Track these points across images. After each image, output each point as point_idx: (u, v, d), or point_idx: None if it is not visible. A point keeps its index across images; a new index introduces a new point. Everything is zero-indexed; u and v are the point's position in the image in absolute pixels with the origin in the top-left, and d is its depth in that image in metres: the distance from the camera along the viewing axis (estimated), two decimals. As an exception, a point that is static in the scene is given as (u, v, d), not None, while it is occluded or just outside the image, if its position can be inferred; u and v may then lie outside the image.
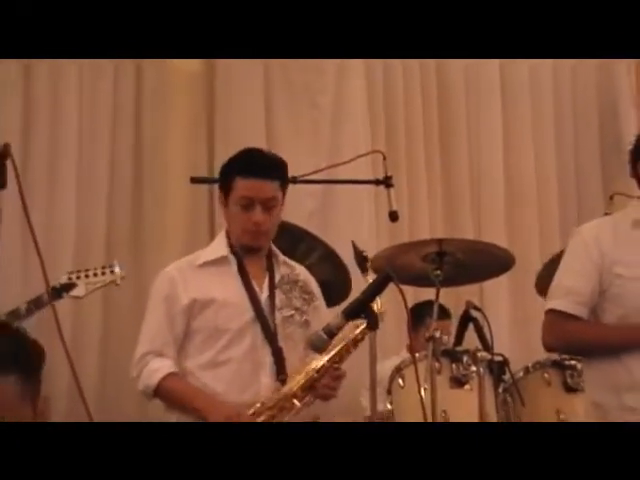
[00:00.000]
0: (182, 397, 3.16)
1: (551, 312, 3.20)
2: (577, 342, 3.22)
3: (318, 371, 3.06)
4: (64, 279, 4.00)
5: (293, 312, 3.24)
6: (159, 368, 3.15)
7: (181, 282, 3.23)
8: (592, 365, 3.22)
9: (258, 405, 3.04)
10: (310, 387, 3.08)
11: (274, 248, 3.36)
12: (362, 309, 2.83)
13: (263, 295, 3.25)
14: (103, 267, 4.09)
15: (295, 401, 3.05)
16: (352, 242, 3.45)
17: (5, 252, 4.33)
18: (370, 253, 3.55)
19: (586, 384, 3.33)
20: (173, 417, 3.21)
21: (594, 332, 3.19)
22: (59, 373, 4.13)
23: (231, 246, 3.30)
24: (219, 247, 3.32)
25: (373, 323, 2.88)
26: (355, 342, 3.12)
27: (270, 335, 3.18)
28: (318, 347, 2.90)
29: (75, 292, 4.02)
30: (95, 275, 4.06)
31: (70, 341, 4.61)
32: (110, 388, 4.86)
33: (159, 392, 3.16)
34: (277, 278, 3.29)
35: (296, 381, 3.06)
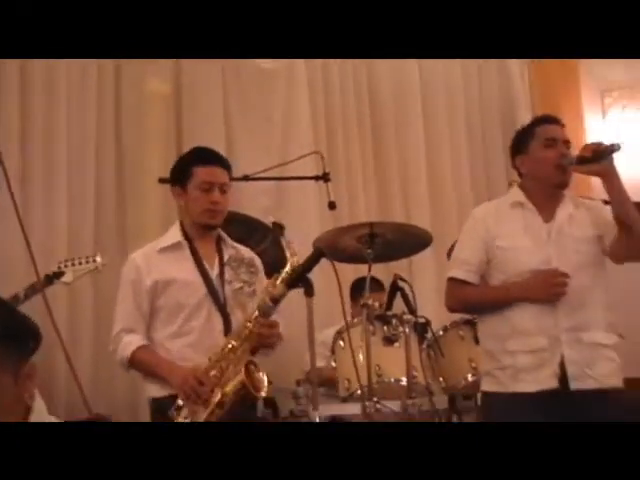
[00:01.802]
0: (149, 366, 3.14)
1: (450, 280, 3.28)
2: (470, 303, 3.30)
3: (250, 322, 3.01)
4: (55, 268, 3.99)
5: (242, 284, 3.22)
6: (131, 341, 3.14)
7: (144, 267, 3.20)
8: (483, 320, 3.29)
9: (207, 361, 3.01)
10: (247, 338, 3.01)
11: (222, 233, 3.33)
12: (299, 279, 2.89)
13: (214, 272, 3.22)
14: (87, 257, 4.08)
15: (238, 352, 2.99)
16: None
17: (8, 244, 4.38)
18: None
19: (480, 335, 3.36)
20: (153, 388, 3.18)
21: (482, 293, 3.25)
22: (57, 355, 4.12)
23: (185, 233, 3.27)
24: (174, 234, 3.29)
25: (309, 290, 2.92)
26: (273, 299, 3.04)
27: (220, 306, 3.16)
28: (266, 312, 2.97)
29: (64, 279, 3.99)
30: (80, 264, 4.04)
31: (66, 323, 4.66)
32: (102, 364, 4.76)
33: (132, 363, 3.15)
34: (226, 257, 3.26)
35: (236, 335, 3.03)
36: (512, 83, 5.91)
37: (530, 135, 3.27)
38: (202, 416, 2.93)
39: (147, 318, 3.20)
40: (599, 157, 3.04)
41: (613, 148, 3.04)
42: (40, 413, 1.79)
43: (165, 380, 3.08)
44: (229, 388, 2.93)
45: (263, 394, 3.03)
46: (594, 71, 5.87)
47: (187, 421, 2.95)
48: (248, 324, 3.02)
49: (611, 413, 3.03)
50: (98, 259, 4.06)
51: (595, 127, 5.87)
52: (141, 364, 3.15)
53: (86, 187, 5.07)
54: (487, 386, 3.22)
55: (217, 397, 2.93)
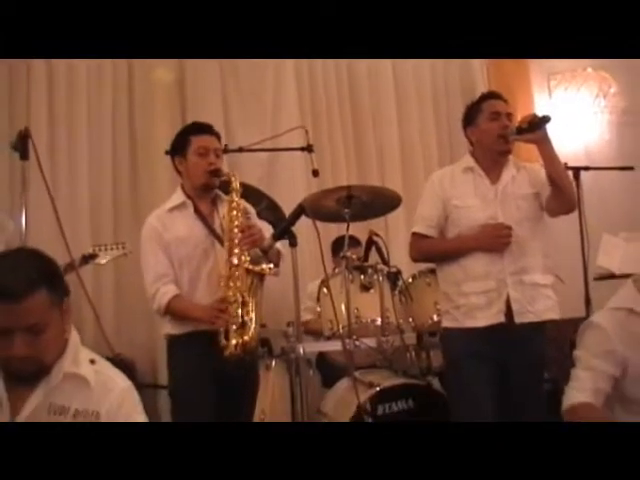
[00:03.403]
0: (181, 311, 3.10)
1: (413, 235, 3.35)
2: (431, 253, 3.35)
3: (239, 228, 3.07)
4: (90, 250, 4.05)
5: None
6: (166, 292, 3.10)
7: (160, 225, 3.18)
8: (441, 267, 3.33)
9: (220, 282, 3.03)
10: (238, 244, 3.04)
11: (219, 192, 3.30)
12: (285, 232, 2.92)
13: (216, 224, 3.22)
14: (117, 244, 4.15)
15: (234, 259, 3.01)
16: None
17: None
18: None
19: (439, 281, 3.38)
20: (169, 326, 3.17)
21: (441, 245, 3.30)
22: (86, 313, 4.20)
23: (186, 195, 3.26)
24: (178, 196, 3.27)
25: (293, 241, 2.93)
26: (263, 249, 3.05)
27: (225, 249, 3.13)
28: (257, 260, 2.99)
29: (99, 260, 4.08)
30: (112, 249, 4.12)
31: (93, 285, 4.71)
32: (123, 315, 4.90)
33: (168, 310, 3.11)
34: (222, 211, 3.22)
35: (229, 250, 3.06)
36: (471, 68, 5.87)
37: (478, 109, 3.31)
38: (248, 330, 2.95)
39: (172, 264, 3.16)
40: (534, 127, 3.09)
41: (544, 119, 3.08)
42: (75, 345, 1.88)
43: (197, 319, 3.05)
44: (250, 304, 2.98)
45: None
46: (541, 59, 5.82)
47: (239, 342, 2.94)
48: (235, 230, 3.06)
49: (544, 342, 3.19)
50: (127, 246, 4.14)
51: (542, 105, 5.84)
52: (174, 311, 3.12)
53: (104, 164, 5.10)
54: (446, 323, 3.28)
55: (246, 314, 2.96)
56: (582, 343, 2.50)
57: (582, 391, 2.38)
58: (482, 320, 3.12)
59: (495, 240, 3.13)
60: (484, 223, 3.17)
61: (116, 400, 1.83)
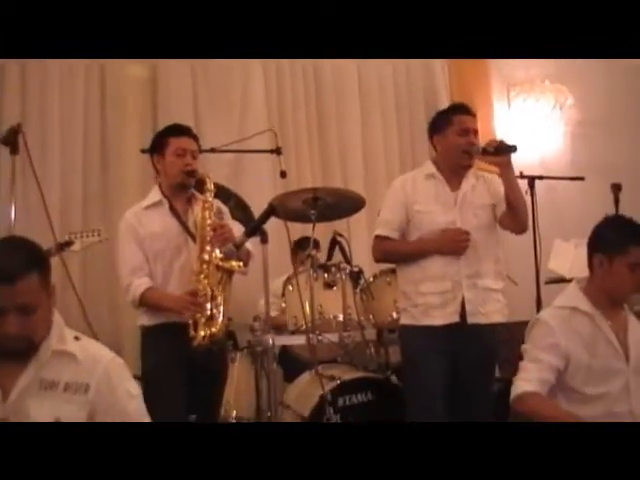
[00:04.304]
0: (156, 302, 3.24)
1: (376, 237, 3.48)
2: (392, 254, 3.50)
3: (211, 226, 3.21)
4: (66, 238, 4.06)
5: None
6: (140, 284, 3.23)
7: (136, 222, 3.31)
8: (401, 268, 3.48)
9: (192, 276, 3.18)
10: (210, 242, 3.18)
11: (195, 192, 3.42)
12: (257, 229, 3.07)
13: (190, 222, 3.34)
14: (92, 230, 4.15)
15: (205, 256, 3.17)
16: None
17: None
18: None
19: (398, 280, 3.53)
20: (144, 318, 3.30)
21: (402, 247, 3.45)
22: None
23: (162, 193, 3.38)
24: (155, 194, 3.40)
25: (264, 238, 3.09)
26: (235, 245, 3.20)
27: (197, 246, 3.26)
28: (229, 255, 3.14)
29: (73, 247, 4.08)
30: (87, 236, 4.12)
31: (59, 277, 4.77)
32: (89, 306, 4.92)
33: (142, 301, 3.24)
34: (196, 209, 3.35)
35: (201, 247, 3.20)
36: (434, 77, 5.99)
37: (448, 121, 3.46)
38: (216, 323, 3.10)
39: (147, 258, 3.28)
40: (499, 152, 3.30)
41: (511, 148, 3.30)
42: (60, 325, 2.03)
43: (169, 309, 3.20)
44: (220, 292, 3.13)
45: None
46: (501, 70, 6.04)
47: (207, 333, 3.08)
48: (207, 228, 3.20)
49: (494, 342, 3.40)
50: (102, 233, 4.14)
51: (502, 114, 6.06)
52: (148, 301, 3.25)
53: (75, 159, 5.20)
54: (404, 320, 3.45)
55: (215, 307, 3.11)
56: (530, 337, 2.72)
57: (528, 381, 2.60)
58: (438, 319, 3.32)
59: (454, 244, 3.33)
60: (444, 228, 3.35)
61: (104, 371, 1.99)
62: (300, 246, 4.50)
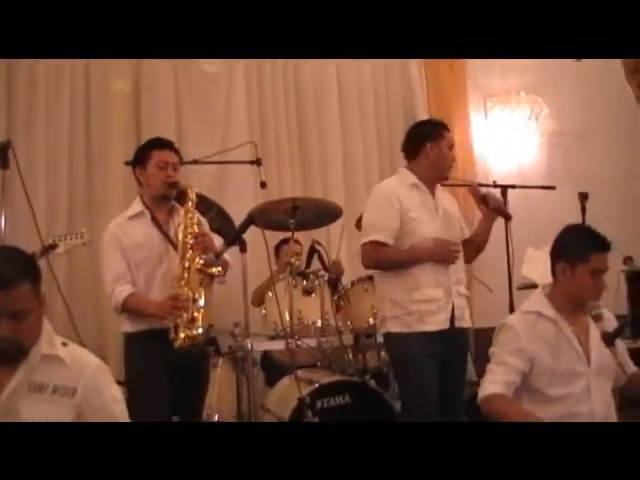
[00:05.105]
0: (138, 308, 3.33)
1: (372, 242, 3.44)
2: (388, 261, 3.48)
3: (192, 235, 3.32)
4: (50, 241, 4.10)
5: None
6: (122, 290, 3.32)
7: (119, 232, 3.40)
8: (391, 276, 3.47)
9: (174, 282, 3.28)
10: (191, 249, 3.29)
11: (175, 204, 3.51)
12: (237, 238, 3.17)
13: (171, 232, 3.43)
14: (76, 233, 4.21)
15: (186, 262, 3.28)
16: None
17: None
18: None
19: (385, 287, 3.51)
20: (127, 325, 3.39)
21: (397, 254, 3.47)
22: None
23: (144, 204, 3.46)
24: (137, 206, 3.48)
25: (243, 247, 3.18)
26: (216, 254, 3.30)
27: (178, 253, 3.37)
28: (210, 263, 3.25)
29: (58, 250, 4.13)
30: (71, 239, 4.18)
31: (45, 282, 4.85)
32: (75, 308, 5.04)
33: (124, 307, 3.32)
34: (177, 220, 3.45)
35: (182, 256, 3.31)
36: (412, 88, 6.10)
37: (438, 135, 3.57)
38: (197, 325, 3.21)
39: (129, 267, 3.38)
40: (493, 210, 3.64)
41: (506, 215, 3.75)
42: (49, 331, 2.14)
43: (151, 314, 3.30)
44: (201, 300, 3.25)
45: None
46: (478, 81, 6.19)
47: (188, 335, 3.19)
48: (188, 237, 3.31)
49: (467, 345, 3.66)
50: (86, 236, 4.20)
51: (479, 125, 6.21)
52: (130, 307, 3.34)
53: (60, 169, 5.31)
54: (395, 328, 3.45)
55: (196, 310, 3.22)
56: (497, 341, 2.86)
57: (495, 383, 2.73)
58: (432, 325, 3.42)
59: (448, 254, 3.47)
60: (432, 236, 3.46)
61: (92, 375, 2.10)
62: (281, 249, 4.68)
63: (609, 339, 2.58)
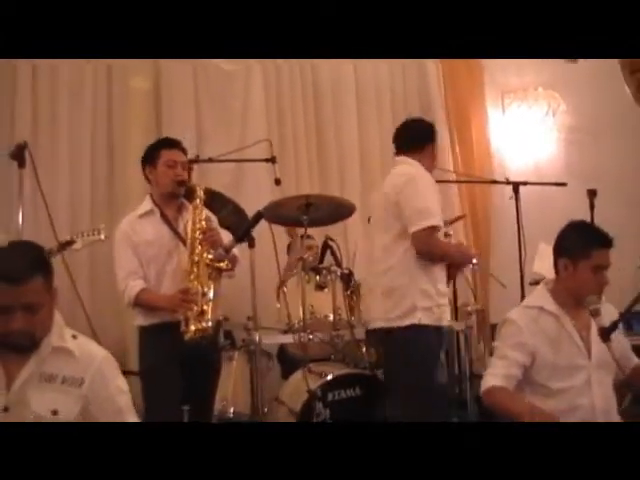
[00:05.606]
0: (148, 302, 3.44)
1: (432, 228, 3.43)
2: (439, 251, 3.54)
3: (201, 230, 3.42)
4: (67, 238, 4.19)
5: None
6: (134, 285, 3.43)
7: (130, 230, 3.51)
8: (426, 265, 3.48)
9: (184, 277, 3.37)
10: (200, 244, 3.39)
11: (184, 201, 3.60)
12: (245, 235, 3.24)
13: (180, 228, 3.53)
14: (94, 230, 4.28)
15: (196, 257, 3.37)
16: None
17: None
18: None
19: (409, 276, 3.47)
20: (140, 319, 3.51)
21: (446, 245, 3.68)
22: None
23: (154, 202, 3.57)
24: (147, 204, 3.59)
25: (251, 243, 3.24)
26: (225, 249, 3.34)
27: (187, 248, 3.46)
28: (220, 258, 3.33)
29: (75, 246, 4.20)
30: (88, 235, 4.25)
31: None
32: (97, 303, 5.20)
33: (137, 302, 3.44)
34: (186, 218, 3.53)
35: (191, 249, 3.41)
36: (429, 86, 6.12)
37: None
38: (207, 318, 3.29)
39: (141, 263, 3.49)
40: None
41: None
42: (60, 324, 2.24)
43: (162, 308, 3.41)
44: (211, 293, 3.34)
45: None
46: (496, 77, 6.21)
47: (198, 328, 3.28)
48: (197, 233, 3.40)
49: None
50: (102, 232, 4.27)
51: (496, 121, 6.25)
52: (142, 302, 3.45)
53: (82, 167, 5.42)
54: (426, 320, 3.44)
55: (205, 303, 3.30)
56: (499, 335, 2.93)
57: (496, 376, 2.80)
58: (446, 320, 3.58)
59: (471, 257, 3.76)
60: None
61: (99, 367, 2.21)
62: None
63: (605, 334, 2.63)
